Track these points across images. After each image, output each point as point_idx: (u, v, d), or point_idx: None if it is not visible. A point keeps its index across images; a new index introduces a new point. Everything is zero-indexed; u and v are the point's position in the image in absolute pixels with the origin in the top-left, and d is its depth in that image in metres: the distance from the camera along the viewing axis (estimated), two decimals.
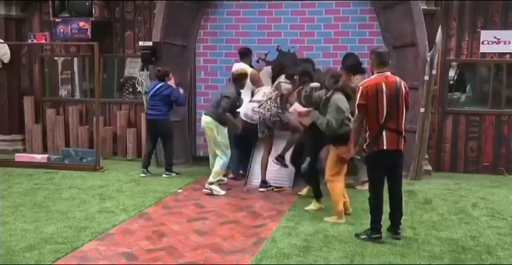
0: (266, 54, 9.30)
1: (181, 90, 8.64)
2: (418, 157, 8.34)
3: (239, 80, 7.59)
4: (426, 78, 8.18)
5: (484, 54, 9.01)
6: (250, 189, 7.72)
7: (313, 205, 6.60)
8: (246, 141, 8.05)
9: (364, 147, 5.42)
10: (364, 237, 5.50)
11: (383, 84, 5.31)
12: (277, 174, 8.00)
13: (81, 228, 5.76)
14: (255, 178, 7.98)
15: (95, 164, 8.91)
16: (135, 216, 6.28)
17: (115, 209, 6.53)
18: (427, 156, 8.79)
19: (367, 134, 5.40)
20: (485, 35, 8.93)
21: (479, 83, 9.32)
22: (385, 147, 5.33)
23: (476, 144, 9.14)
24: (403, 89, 5.42)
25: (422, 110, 8.21)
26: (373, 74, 5.51)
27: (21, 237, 5.46)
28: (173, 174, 8.42)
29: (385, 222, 5.57)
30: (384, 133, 5.31)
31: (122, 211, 6.42)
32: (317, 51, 9.04)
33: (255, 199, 7.21)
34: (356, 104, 5.37)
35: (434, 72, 8.22)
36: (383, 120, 5.30)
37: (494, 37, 8.89)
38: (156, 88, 8.38)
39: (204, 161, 8.82)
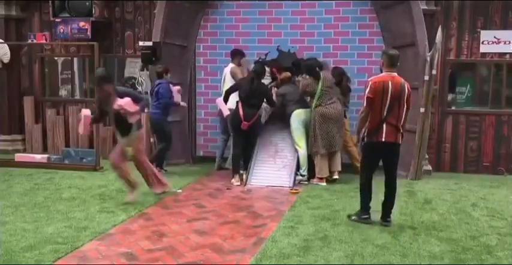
0: (266, 54, 9.30)
1: (175, 88, 8.61)
2: (418, 157, 8.34)
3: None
4: (426, 78, 8.18)
5: (484, 54, 9.01)
6: (250, 189, 7.73)
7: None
8: (246, 139, 8.08)
9: (364, 136, 5.90)
10: (354, 217, 6.05)
11: (389, 82, 5.76)
12: (277, 174, 8.01)
13: (81, 228, 5.75)
14: (255, 178, 7.99)
15: (95, 164, 8.91)
16: (135, 216, 6.28)
17: (115, 209, 6.52)
18: (427, 156, 8.79)
19: (367, 127, 5.86)
20: (485, 35, 8.94)
21: (479, 83, 9.32)
22: (383, 139, 5.78)
23: (476, 144, 9.15)
24: (406, 89, 5.84)
25: (422, 109, 8.22)
26: (381, 72, 5.94)
27: (21, 237, 5.46)
28: (162, 171, 8.38)
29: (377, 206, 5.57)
30: (384, 126, 5.75)
31: (122, 211, 6.42)
32: (317, 51, 9.03)
33: (255, 200, 7.21)
34: (365, 97, 5.83)
35: (434, 72, 8.23)
36: (385, 114, 5.74)
37: (494, 37, 8.90)
38: (154, 86, 8.47)
39: (204, 161, 8.83)
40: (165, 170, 8.58)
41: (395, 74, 5.89)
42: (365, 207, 6.02)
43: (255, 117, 7.91)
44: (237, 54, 8.81)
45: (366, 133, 5.87)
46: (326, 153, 8.00)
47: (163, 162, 8.68)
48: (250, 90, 7.86)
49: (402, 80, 5.86)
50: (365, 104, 5.86)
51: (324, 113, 7.93)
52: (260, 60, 9.20)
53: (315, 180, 8.03)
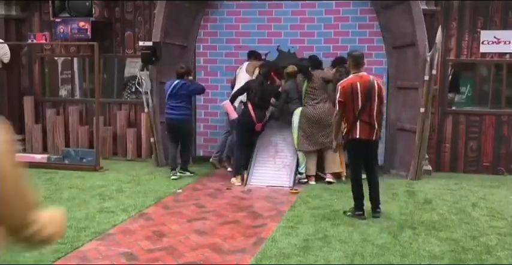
0: (266, 54, 9.29)
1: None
2: (418, 157, 8.33)
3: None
4: (426, 78, 8.17)
5: (484, 54, 9.01)
6: (250, 189, 7.73)
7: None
8: (248, 139, 8.10)
9: (343, 136, 6.29)
10: (349, 214, 6.26)
11: (358, 83, 6.08)
12: (277, 174, 8.02)
13: (81, 228, 5.75)
14: (255, 178, 7.99)
15: (95, 164, 8.91)
16: (135, 216, 6.28)
17: (115, 209, 6.52)
18: (427, 156, 8.78)
19: (345, 125, 6.24)
20: (485, 35, 8.93)
21: (479, 83, 9.32)
22: (357, 136, 6.08)
23: (476, 144, 9.15)
24: (376, 86, 6.14)
25: (422, 109, 8.21)
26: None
27: None
28: (187, 173, 8.42)
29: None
30: (357, 124, 6.07)
31: (122, 211, 6.42)
32: (317, 51, 9.03)
33: (255, 200, 7.21)
34: (336, 101, 6.18)
35: (434, 72, 8.22)
36: (357, 113, 6.06)
37: (494, 37, 8.89)
38: (173, 86, 8.24)
39: (204, 161, 8.84)
40: (192, 172, 8.50)
41: (364, 73, 6.23)
42: (358, 203, 6.24)
43: (266, 118, 8.10)
44: (251, 56, 8.88)
45: (343, 134, 6.26)
46: (309, 151, 8.08)
47: (189, 163, 8.64)
48: (261, 92, 7.96)
49: (371, 78, 6.19)
50: (337, 108, 6.20)
51: (305, 113, 8.05)
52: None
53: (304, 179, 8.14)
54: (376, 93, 6.11)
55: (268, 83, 8.25)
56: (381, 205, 6.31)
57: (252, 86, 8.07)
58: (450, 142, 9.23)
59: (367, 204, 6.28)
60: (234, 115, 8.21)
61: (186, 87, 8.27)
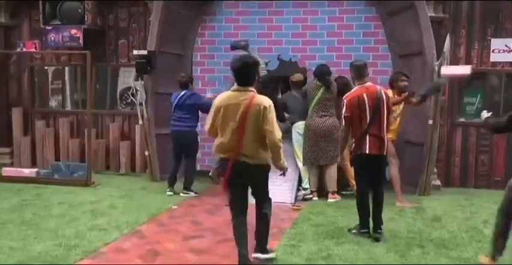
0: (266, 64, 9.30)
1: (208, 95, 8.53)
2: (426, 172, 8.32)
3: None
4: None
5: (494, 63, 9.03)
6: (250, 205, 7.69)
7: None
8: None
9: (351, 152, 6.20)
10: (354, 231, 6.21)
11: (364, 95, 5.99)
12: (278, 189, 7.98)
13: (72, 247, 5.72)
14: None
15: (87, 179, 8.89)
16: (128, 234, 6.25)
17: (107, 226, 6.50)
18: (435, 171, 8.78)
19: (353, 140, 6.14)
20: (496, 43, 8.96)
21: (489, 94, 9.32)
22: (367, 152, 5.98)
23: (488, 158, 9.13)
24: (384, 96, 6.06)
25: (430, 121, 8.22)
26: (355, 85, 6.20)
27: (8, 256, 5.42)
28: (191, 193, 8.27)
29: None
30: (366, 138, 5.98)
31: (114, 229, 6.39)
32: (320, 60, 9.05)
33: (255, 217, 7.16)
34: (342, 116, 6.10)
35: None
36: (366, 126, 5.97)
37: (506, 45, 8.92)
38: (179, 97, 8.22)
39: (202, 176, 8.81)
40: (196, 193, 8.35)
41: (369, 83, 6.14)
42: (363, 221, 6.18)
43: None
44: None
45: (352, 148, 6.16)
46: (311, 166, 8.08)
47: (192, 182, 8.43)
48: None
49: (378, 88, 6.09)
50: (344, 123, 6.12)
51: (312, 126, 7.95)
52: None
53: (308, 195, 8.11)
54: (385, 104, 6.04)
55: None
56: (383, 226, 6.17)
57: None
58: (460, 156, 9.21)
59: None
60: None
61: (194, 98, 8.24)
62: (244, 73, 5.02)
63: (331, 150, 7.96)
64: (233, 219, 5.18)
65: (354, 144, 6.11)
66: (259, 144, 4.95)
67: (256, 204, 5.28)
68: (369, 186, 6.18)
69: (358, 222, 6.26)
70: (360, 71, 6.15)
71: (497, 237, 5.06)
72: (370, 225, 6.16)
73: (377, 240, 5.98)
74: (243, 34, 9.45)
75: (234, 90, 5.07)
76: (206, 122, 5.22)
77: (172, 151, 8.51)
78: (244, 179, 5.09)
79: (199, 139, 8.54)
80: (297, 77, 8.42)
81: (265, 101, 4.95)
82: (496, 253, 5.07)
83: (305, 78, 8.52)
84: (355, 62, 6.34)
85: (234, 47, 8.62)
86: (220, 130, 5.03)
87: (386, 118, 6.06)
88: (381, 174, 6.28)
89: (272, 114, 4.90)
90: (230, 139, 4.96)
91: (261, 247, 5.21)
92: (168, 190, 8.28)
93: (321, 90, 7.98)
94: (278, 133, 4.92)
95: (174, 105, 8.28)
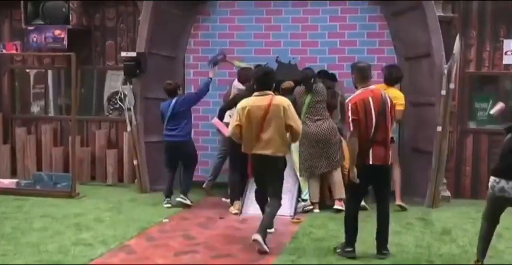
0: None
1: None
2: (435, 182, 8.33)
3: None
4: (443, 92, 8.21)
5: (507, 66, 9.06)
6: (246, 218, 7.70)
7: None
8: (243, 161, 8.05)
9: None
10: (339, 250, 6.06)
11: (370, 99, 5.88)
12: None
13: (55, 262, 5.71)
14: (251, 206, 7.95)
15: (71, 190, 8.88)
16: (116, 249, 6.24)
17: (93, 241, 6.49)
18: (445, 181, 8.78)
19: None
20: (509, 44, 8.99)
21: (502, 98, 9.33)
22: (371, 162, 5.84)
23: None
24: (389, 101, 5.99)
25: (439, 128, 8.23)
26: (356, 88, 6.10)
27: None
28: (188, 201, 8.33)
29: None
30: (371, 147, 5.83)
31: (100, 244, 6.38)
32: (321, 63, 9.09)
33: (251, 230, 7.12)
34: (349, 120, 5.87)
35: (452, 86, 8.26)
36: (372, 134, 5.82)
37: None
38: (172, 106, 8.26)
39: (194, 187, 8.80)
40: (191, 202, 8.41)
41: (373, 86, 6.12)
42: (349, 239, 6.02)
43: None
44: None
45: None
46: (311, 176, 8.07)
47: (190, 189, 8.54)
48: None
49: (382, 92, 6.06)
50: (351, 128, 5.83)
51: (305, 132, 7.76)
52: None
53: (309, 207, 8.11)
54: (389, 109, 5.95)
55: None
56: (389, 246, 6.05)
57: (238, 100, 7.97)
58: (471, 165, 9.22)
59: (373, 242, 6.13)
60: (225, 131, 8.21)
61: (185, 102, 8.32)
62: (265, 80, 6.44)
63: (332, 155, 7.97)
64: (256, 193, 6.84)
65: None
66: (278, 138, 6.26)
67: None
68: (362, 199, 6.15)
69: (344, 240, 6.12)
70: (363, 73, 6.05)
71: (479, 241, 5.45)
72: (356, 243, 6.01)
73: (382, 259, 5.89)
74: (239, 35, 9.48)
75: (255, 95, 6.39)
76: (230, 124, 6.61)
77: (167, 161, 8.55)
78: (263, 169, 6.40)
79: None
80: (287, 84, 8.40)
81: (284, 101, 6.33)
82: (480, 256, 5.39)
83: (301, 79, 8.50)
84: (358, 64, 6.30)
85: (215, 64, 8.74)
86: (245, 128, 6.31)
87: (390, 124, 6.01)
88: (385, 185, 6.17)
89: (292, 111, 6.28)
90: (253, 134, 6.27)
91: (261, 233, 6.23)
92: (165, 202, 8.30)
93: (309, 94, 8.04)
94: (299, 124, 6.39)
95: (167, 116, 8.31)
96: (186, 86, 9.70)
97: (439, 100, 8.25)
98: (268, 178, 6.44)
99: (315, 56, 9.28)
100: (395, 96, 8.06)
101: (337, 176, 8.06)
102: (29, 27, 9.91)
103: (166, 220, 7.56)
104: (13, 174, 10.42)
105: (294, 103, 8.17)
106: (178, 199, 8.26)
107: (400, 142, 8.77)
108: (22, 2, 9.80)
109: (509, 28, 9.02)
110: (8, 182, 9.31)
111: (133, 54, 8.95)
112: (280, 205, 6.49)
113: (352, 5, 9.20)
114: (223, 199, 8.53)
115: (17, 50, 10.33)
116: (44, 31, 9.81)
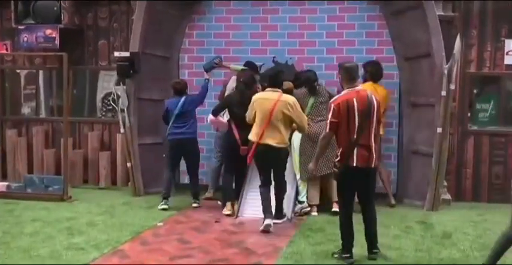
0: (260, 66, 9.31)
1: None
2: (435, 185, 8.34)
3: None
4: (443, 93, 8.22)
5: (509, 66, 9.08)
6: (242, 222, 7.70)
7: None
8: (238, 164, 8.05)
9: (336, 164, 6.00)
10: (336, 256, 6.06)
11: (354, 100, 5.87)
12: (274, 204, 7.98)
13: None
14: (248, 209, 7.96)
15: (63, 193, 8.87)
16: (109, 254, 6.23)
17: (85, 245, 6.47)
18: (445, 183, 8.79)
19: (338, 150, 6.00)
20: (510, 44, 9.01)
21: (504, 99, 9.36)
22: (354, 164, 5.86)
23: (502, 169, 9.15)
24: (375, 102, 5.97)
25: (439, 130, 8.24)
26: (343, 88, 6.11)
27: None
28: (199, 203, 8.51)
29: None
30: (354, 150, 5.85)
31: (93, 248, 6.37)
32: (319, 63, 9.10)
33: (248, 234, 7.17)
34: (328, 121, 5.94)
35: (452, 86, 8.27)
36: (355, 136, 5.83)
37: None
38: (180, 105, 8.36)
39: (189, 189, 8.80)
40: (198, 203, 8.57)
41: (359, 87, 6.14)
42: (346, 244, 6.03)
43: None
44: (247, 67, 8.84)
45: (338, 158, 5.97)
46: (312, 177, 8.04)
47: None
48: (241, 105, 7.75)
49: (368, 93, 6.03)
50: (328, 129, 5.96)
51: (308, 132, 7.92)
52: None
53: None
54: (375, 111, 5.93)
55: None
56: (379, 245, 6.13)
57: (232, 100, 8.05)
58: (472, 168, 9.24)
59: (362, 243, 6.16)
60: (223, 126, 8.28)
61: (193, 102, 8.51)
62: (275, 78, 7.53)
63: (334, 157, 7.96)
64: (260, 187, 7.44)
65: (338, 155, 5.97)
66: (282, 130, 7.21)
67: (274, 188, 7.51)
68: (353, 203, 6.12)
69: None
70: (351, 74, 6.06)
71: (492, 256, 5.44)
72: (353, 248, 6.01)
73: (374, 259, 5.97)
74: (235, 34, 9.48)
75: (267, 91, 7.43)
76: (247, 113, 7.45)
77: (170, 160, 8.64)
78: (268, 158, 7.30)
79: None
80: (287, 85, 8.37)
81: (289, 99, 7.30)
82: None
83: (303, 82, 8.51)
84: (345, 64, 6.29)
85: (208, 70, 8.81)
86: (256, 116, 7.25)
87: (377, 127, 5.98)
88: (369, 188, 6.14)
89: (297, 108, 7.25)
90: (260, 126, 7.20)
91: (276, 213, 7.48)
92: (162, 203, 8.31)
93: (313, 96, 8.20)
94: (304, 120, 7.38)
95: (174, 114, 8.39)
96: None
97: (439, 101, 8.26)
98: (272, 165, 7.41)
99: (312, 56, 9.28)
100: (384, 96, 8.29)
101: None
102: (19, 27, 9.90)
103: (161, 224, 7.55)
104: (3, 177, 10.40)
105: None
106: (194, 205, 8.43)
107: (399, 144, 8.78)
108: (12, 0, 9.78)
109: (510, 28, 9.04)
110: None
111: (127, 54, 8.95)
112: (285, 189, 7.63)
113: (350, 4, 9.19)
114: (219, 202, 8.53)
115: (7, 49, 10.32)
116: (35, 30, 9.80)
